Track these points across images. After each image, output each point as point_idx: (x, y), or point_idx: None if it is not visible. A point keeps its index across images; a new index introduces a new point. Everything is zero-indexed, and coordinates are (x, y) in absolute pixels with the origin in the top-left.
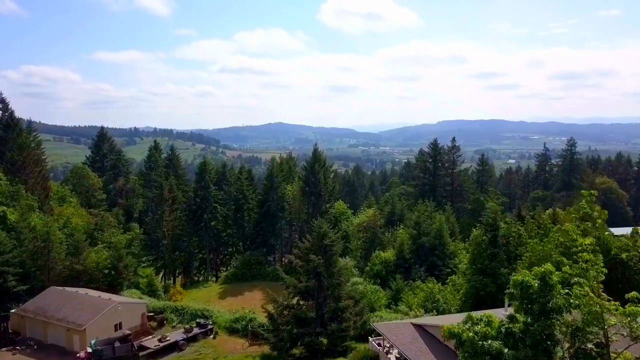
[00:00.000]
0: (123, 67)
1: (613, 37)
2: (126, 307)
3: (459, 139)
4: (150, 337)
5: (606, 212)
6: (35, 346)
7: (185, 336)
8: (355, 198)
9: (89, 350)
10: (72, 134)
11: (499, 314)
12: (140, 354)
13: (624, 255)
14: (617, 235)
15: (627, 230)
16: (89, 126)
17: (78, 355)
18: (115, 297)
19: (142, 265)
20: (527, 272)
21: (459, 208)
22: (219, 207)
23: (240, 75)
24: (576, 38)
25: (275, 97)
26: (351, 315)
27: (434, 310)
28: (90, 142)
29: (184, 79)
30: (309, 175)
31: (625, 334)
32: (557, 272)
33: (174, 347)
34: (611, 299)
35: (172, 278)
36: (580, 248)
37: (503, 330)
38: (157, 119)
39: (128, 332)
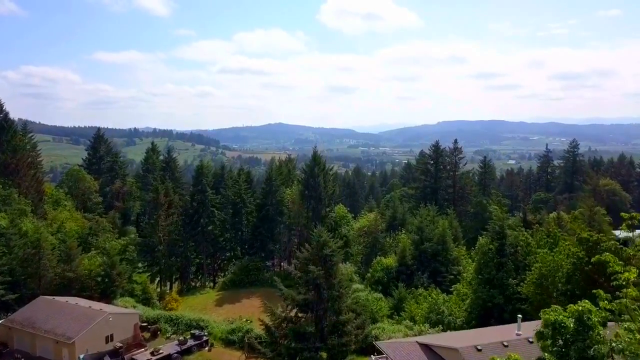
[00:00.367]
0: (123, 68)
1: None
2: (118, 318)
3: (459, 140)
4: (143, 349)
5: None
6: (23, 359)
7: (179, 349)
8: (355, 200)
9: None
10: (72, 135)
11: (512, 334)
12: None
13: None
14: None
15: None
16: (88, 127)
17: None
18: (106, 307)
19: (138, 271)
20: (559, 309)
21: (461, 211)
22: (216, 211)
23: (240, 76)
24: (576, 38)
25: (275, 98)
26: (352, 328)
27: (440, 325)
28: (90, 143)
29: (183, 79)
30: (309, 178)
31: None
32: (596, 311)
33: None
34: None
35: (168, 284)
36: (622, 282)
37: None
38: (157, 119)
39: (119, 345)
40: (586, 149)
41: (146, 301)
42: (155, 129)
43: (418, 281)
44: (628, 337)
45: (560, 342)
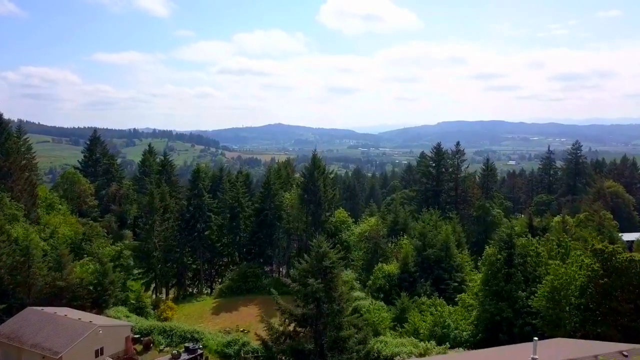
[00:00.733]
0: (122, 68)
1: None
2: (108, 330)
3: (459, 140)
4: None
5: None
6: None
7: None
8: (356, 203)
9: None
10: (72, 135)
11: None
12: None
13: None
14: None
15: (636, 236)
16: (88, 127)
17: None
18: (97, 319)
19: (132, 277)
20: None
21: (463, 215)
22: (213, 215)
23: (239, 77)
24: (576, 39)
25: (275, 98)
26: (354, 344)
27: (446, 342)
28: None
29: (183, 80)
30: (308, 182)
31: None
32: None
33: None
34: None
35: (164, 291)
36: None
37: None
38: (157, 120)
39: (110, 359)
40: (586, 149)
41: (140, 310)
42: (155, 130)
43: (421, 289)
44: None
45: None
